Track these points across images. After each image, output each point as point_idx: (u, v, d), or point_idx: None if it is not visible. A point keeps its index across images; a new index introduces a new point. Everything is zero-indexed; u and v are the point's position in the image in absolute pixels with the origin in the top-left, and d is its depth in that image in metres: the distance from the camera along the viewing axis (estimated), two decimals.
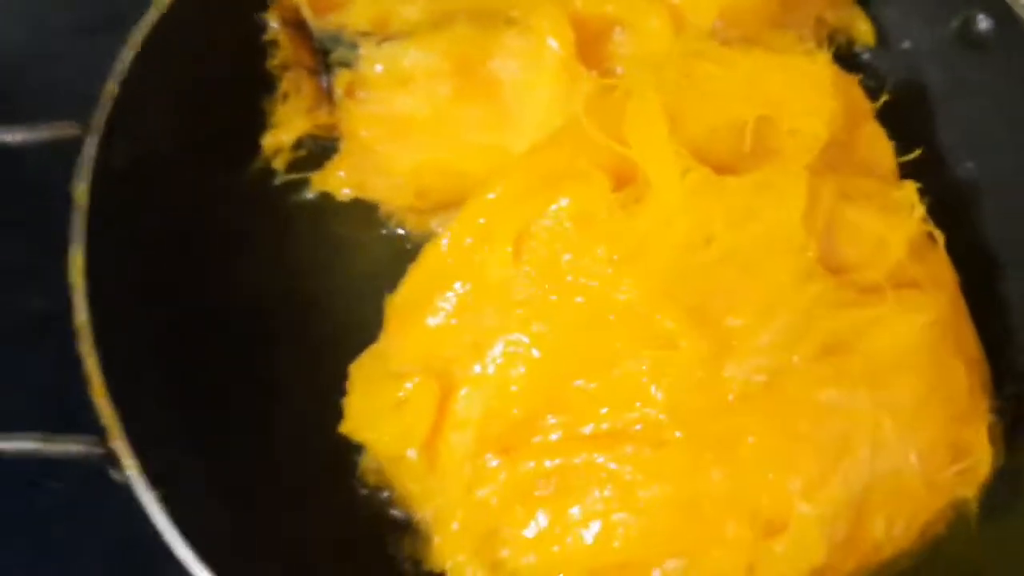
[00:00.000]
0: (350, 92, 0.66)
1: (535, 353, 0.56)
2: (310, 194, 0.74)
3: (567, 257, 0.56)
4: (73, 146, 0.64)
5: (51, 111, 0.67)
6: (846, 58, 0.81)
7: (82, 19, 0.88)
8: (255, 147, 0.75)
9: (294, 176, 0.74)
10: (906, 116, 0.79)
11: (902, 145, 0.78)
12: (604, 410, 0.55)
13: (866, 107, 0.65)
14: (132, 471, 0.53)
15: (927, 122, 0.80)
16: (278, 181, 0.74)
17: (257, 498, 0.64)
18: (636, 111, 0.58)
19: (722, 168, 0.58)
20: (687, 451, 0.54)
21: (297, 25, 0.69)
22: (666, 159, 0.56)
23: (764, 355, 0.55)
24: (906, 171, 0.66)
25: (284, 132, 0.74)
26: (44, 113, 0.67)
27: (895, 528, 0.58)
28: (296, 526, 0.64)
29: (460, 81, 0.65)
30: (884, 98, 0.65)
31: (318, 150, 0.75)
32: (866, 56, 0.82)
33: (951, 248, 0.66)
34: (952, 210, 0.76)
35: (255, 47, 0.74)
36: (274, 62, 0.75)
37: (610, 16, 0.65)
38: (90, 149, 0.62)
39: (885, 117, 0.69)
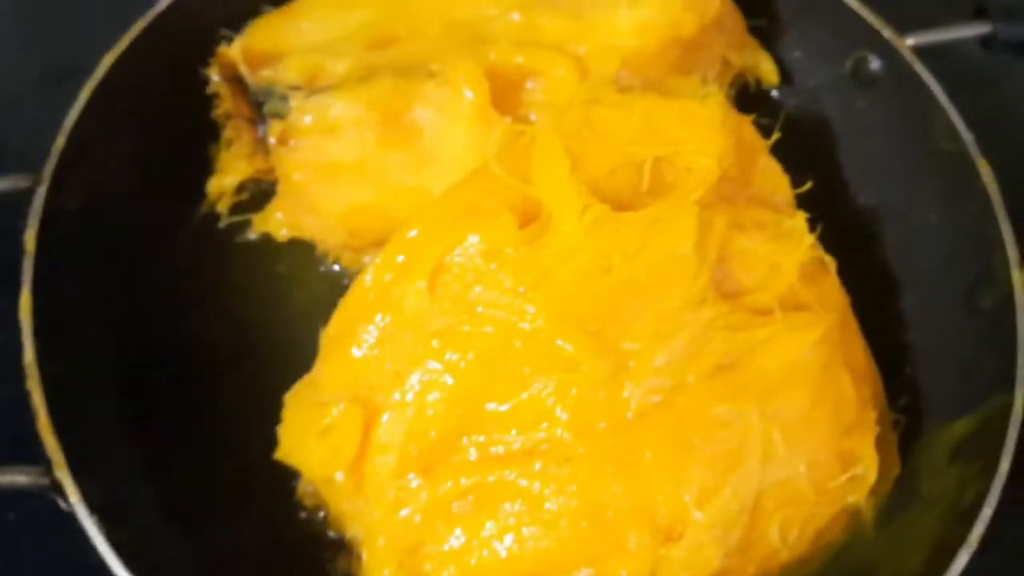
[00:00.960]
0: (283, 140, 0.71)
1: (449, 380, 0.60)
2: (252, 235, 0.80)
3: (477, 290, 0.60)
4: (27, 196, 0.69)
5: (11, 162, 0.72)
6: (755, 95, 0.87)
7: (48, 68, 0.93)
8: (201, 191, 0.80)
9: (237, 218, 0.79)
10: (812, 148, 0.87)
11: (809, 175, 0.84)
12: (514, 430, 0.60)
13: (759, 143, 0.70)
14: (76, 500, 0.57)
15: (831, 154, 0.87)
16: (222, 223, 0.79)
17: (200, 523, 0.68)
18: (541, 154, 0.63)
19: (621, 204, 0.63)
20: (590, 466, 0.58)
21: (235, 79, 0.74)
22: (567, 197, 0.61)
23: (660, 375, 0.60)
24: (812, 199, 0.71)
25: (227, 177, 0.80)
26: (6, 163, 0.72)
27: (790, 534, 0.62)
28: (238, 549, 0.68)
29: (384, 129, 0.70)
30: (776, 136, 0.70)
31: (259, 193, 0.81)
32: (774, 93, 0.88)
33: (854, 269, 0.71)
34: (855, 235, 0.83)
35: (201, 97, 0.80)
36: (218, 111, 0.80)
37: (522, 67, 0.71)
38: (39, 199, 0.66)
39: (792, 149, 0.74)
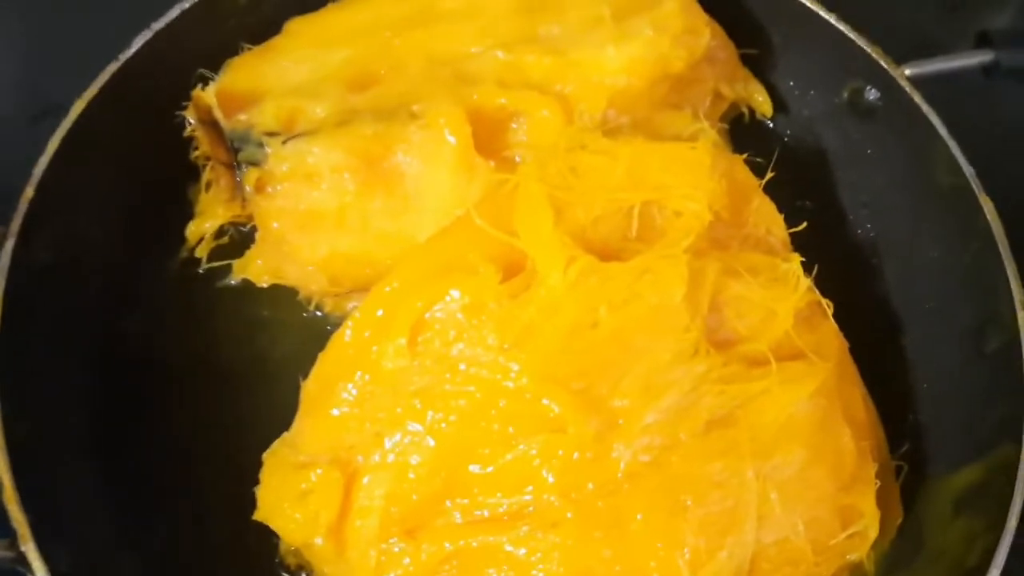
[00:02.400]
0: (259, 188, 0.68)
1: (431, 442, 0.58)
2: (233, 280, 0.77)
3: (459, 347, 0.58)
4: None
5: None
6: (749, 126, 0.85)
7: (25, 106, 0.90)
8: (180, 236, 0.78)
9: (217, 264, 0.77)
10: (808, 179, 0.84)
11: (805, 206, 0.82)
12: (499, 493, 0.58)
13: (753, 183, 0.68)
14: (41, 573, 0.55)
15: (828, 185, 0.84)
16: (202, 269, 0.77)
17: None
18: (524, 204, 0.61)
19: (609, 253, 0.61)
20: (578, 531, 0.56)
21: (211, 123, 0.72)
22: (552, 249, 0.59)
23: (651, 433, 0.58)
24: (809, 232, 0.68)
25: (206, 220, 0.77)
26: None
27: None
28: None
29: (365, 174, 0.68)
30: (769, 175, 0.67)
31: (241, 236, 0.79)
32: (769, 123, 0.86)
33: (855, 304, 0.68)
34: (855, 267, 0.81)
35: (180, 138, 0.77)
36: (196, 153, 0.78)
37: (506, 108, 0.69)
38: (6, 254, 0.64)
39: (788, 180, 0.72)
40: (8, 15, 0.99)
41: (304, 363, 0.65)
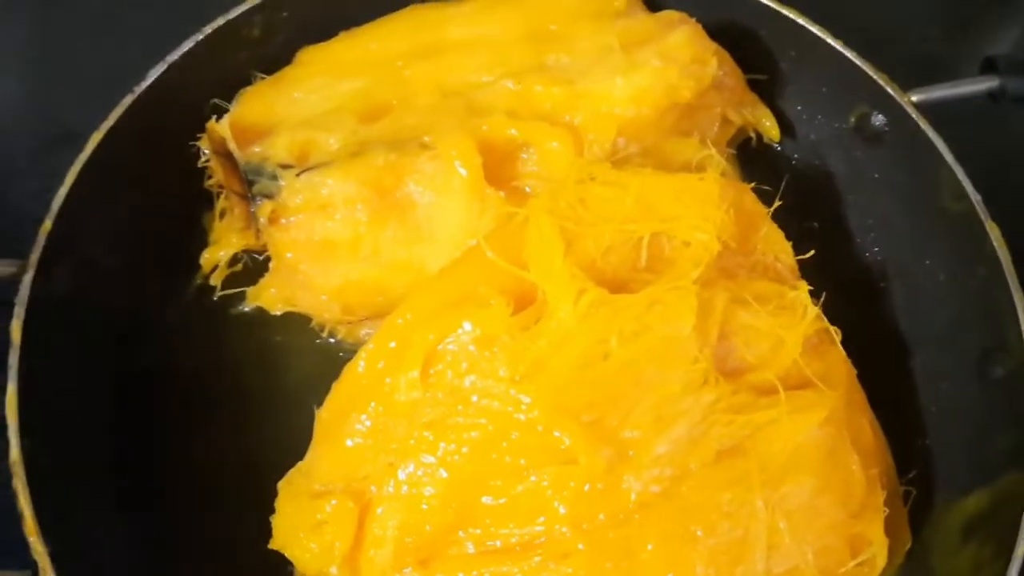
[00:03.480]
0: (273, 220, 0.69)
1: (443, 473, 0.58)
2: (247, 307, 0.78)
3: (471, 379, 0.59)
4: (13, 282, 0.68)
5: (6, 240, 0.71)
6: (757, 150, 0.86)
7: (42, 135, 0.92)
8: (195, 264, 0.79)
9: (231, 291, 0.78)
10: (816, 203, 0.85)
11: (813, 230, 0.83)
12: (511, 524, 0.58)
13: (761, 212, 0.69)
14: None
15: (836, 208, 0.85)
16: (216, 296, 0.78)
17: None
18: (534, 236, 0.61)
19: (619, 284, 0.62)
20: (590, 561, 0.57)
21: (226, 155, 0.73)
22: (562, 281, 0.60)
23: (661, 464, 0.58)
24: (819, 258, 0.69)
25: (221, 248, 0.79)
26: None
27: None
28: None
29: (377, 205, 0.69)
30: (777, 203, 0.68)
31: (255, 264, 0.80)
32: (777, 147, 0.87)
33: (863, 327, 0.69)
34: (863, 291, 0.81)
35: (194, 167, 0.78)
36: (211, 181, 0.79)
37: (516, 139, 0.70)
38: (25, 288, 0.65)
39: (796, 203, 0.73)
40: (20, 43, 1.00)
41: (318, 389, 0.66)
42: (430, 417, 0.59)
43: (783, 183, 0.72)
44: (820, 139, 0.85)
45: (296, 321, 0.78)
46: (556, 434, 0.58)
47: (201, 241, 0.80)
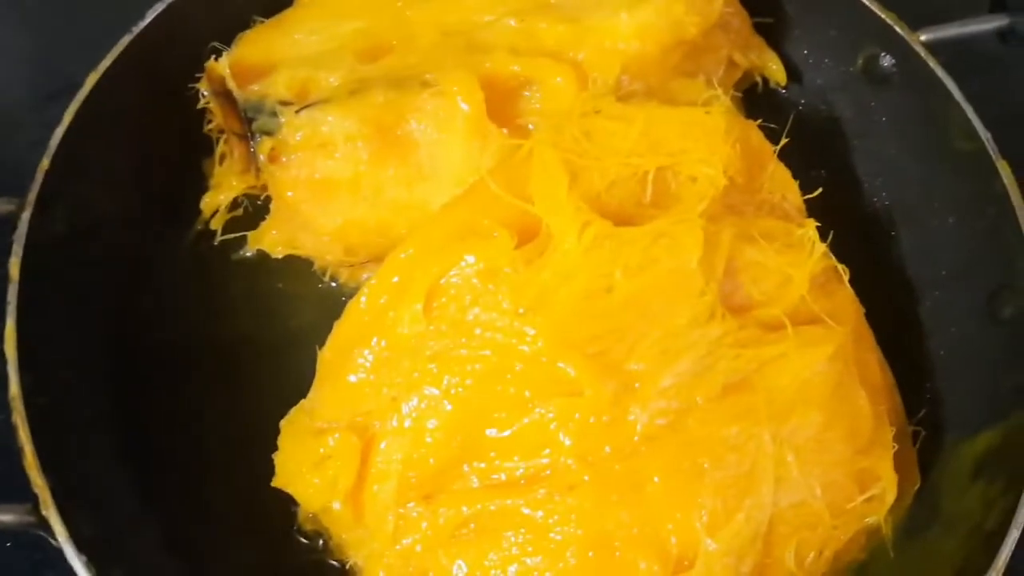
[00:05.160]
0: (273, 158, 0.68)
1: (447, 406, 0.58)
2: (248, 252, 0.78)
3: (474, 311, 0.58)
4: (11, 220, 0.67)
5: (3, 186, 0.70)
6: (763, 95, 0.85)
7: (42, 84, 0.91)
8: (195, 208, 0.78)
9: (232, 235, 0.77)
10: (823, 148, 0.84)
11: (820, 175, 0.82)
12: (516, 457, 0.58)
13: (767, 149, 0.68)
14: (64, 539, 0.55)
15: (843, 154, 0.84)
16: (217, 241, 0.77)
17: (198, 551, 0.66)
18: (538, 169, 0.60)
19: (623, 218, 0.61)
20: (595, 493, 0.56)
21: (225, 94, 0.72)
22: (566, 214, 0.59)
23: (667, 397, 0.58)
24: (824, 201, 0.69)
25: (221, 193, 0.78)
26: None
27: (806, 558, 0.60)
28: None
29: (378, 143, 0.68)
30: (784, 141, 0.67)
31: (255, 208, 0.79)
32: (783, 91, 0.85)
33: (870, 272, 0.69)
34: (870, 237, 0.81)
35: (193, 111, 0.78)
36: (210, 126, 0.78)
37: (519, 75, 0.68)
38: (23, 224, 0.64)
39: (802, 149, 0.71)
40: None
41: (320, 334, 0.65)
42: (434, 350, 0.59)
43: (789, 123, 0.71)
44: (827, 83, 0.84)
45: (298, 267, 0.77)
46: (561, 366, 0.57)
47: (201, 187, 0.79)
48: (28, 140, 0.78)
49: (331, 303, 0.76)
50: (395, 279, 0.61)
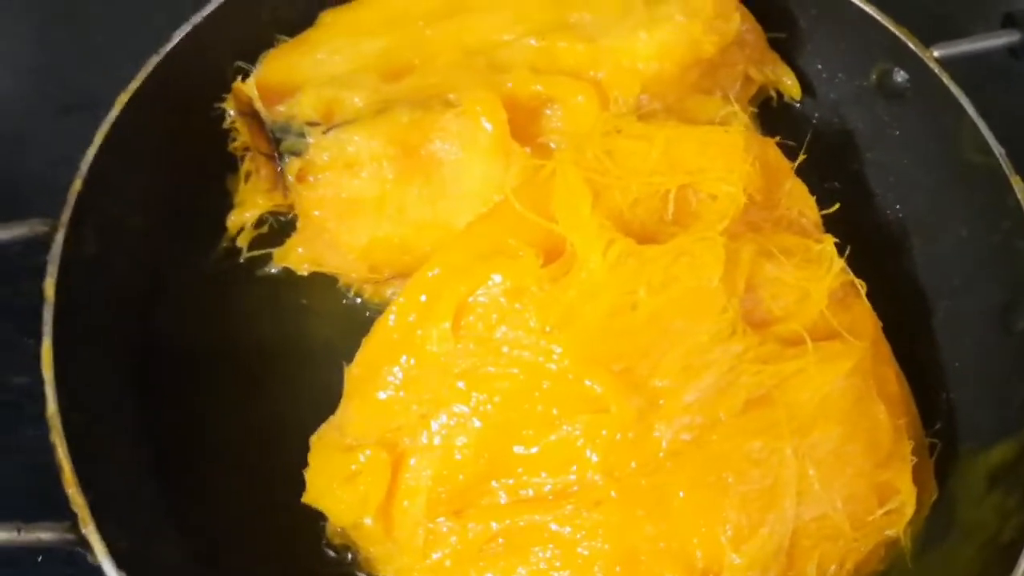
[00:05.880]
0: (301, 177, 0.70)
1: (476, 423, 0.59)
2: (274, 268, 0.79)
3: (502, 330, 0.60)
4: (45, 240, 0.68)
5: (27, 202, 0.71)
6: (778, 109, 0.86)
7: (63, 100, 0.91)
8: (221, 226, 0.80)
9: (257, 252, 0.79)
10: (837, 161, 0.85)
11: (835, 188, 0.83)
12: (544, 473, 0.59)
13: (785, 166, 0.69)
14: (103, 556, 0.57)
15: (857, 167, 0.85)
16: (243, 258, 0.79)
17: (229, 566, 0.68)
18: (562, 188, 0.62)
19: (646, 236, 0.63)
20: (622, 509, 0.58)
21: (252, 115, 0.74)
22: (590, 232, 0.60)
23: (691, 413, 0.59)
24: (840, 214, 0.70)
25: (247, 211, 0.79)
26: (22, 202, 0.71)
27: (828, 570, 0.61)
28: None
29: (403, 163, 0.69)
30: (801, 158, 0.68)
31: (280, 226, 0.80)
32: (798, 105, 0.87)
33: (885, 285, 0.70)
34: (884, 249, 0.82)
35: (219, 130, 0.79)
36: (235, 144, 0.79)
37: (541, 95, 0.70)
38: (57, 246, 0.66)
39: (817, 162, 0.73)
40: (38, 10, 1.00)
41: (345, 350, 0.67)
42: (462, 368, 0.60)
43: (805, 142, 0.72)
44: (841, 97, 0.85)
45: (322, 283, 0.79)
46: (587, 383, 0.58)
47: (227, 204, 0.80)
48: (48, 158, 0.80)
49: (356, 319, 0.78)
50: (423, 298, 0.62)
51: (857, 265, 0.67)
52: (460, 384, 0.60)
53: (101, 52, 0.88)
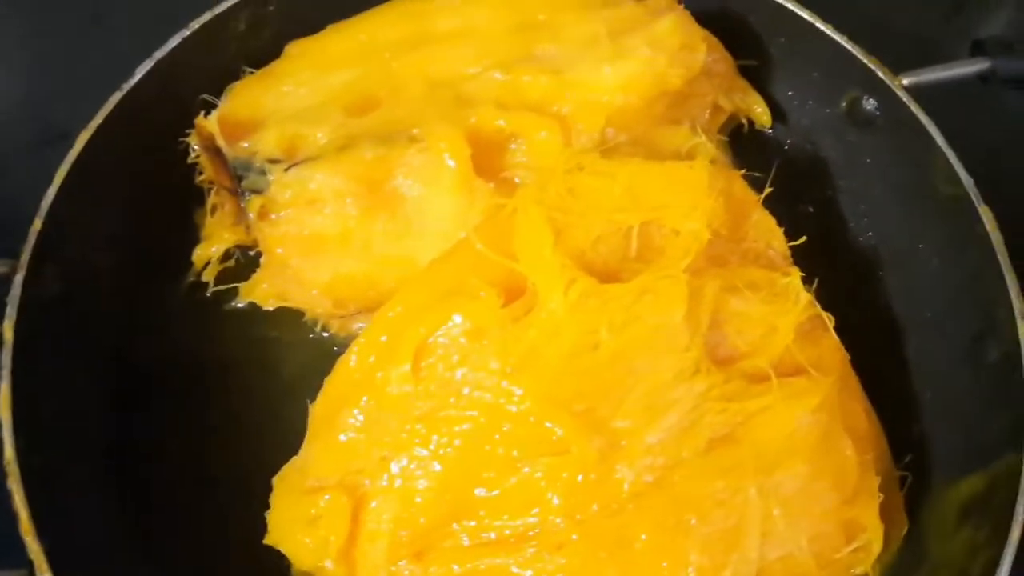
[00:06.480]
0: (263, 215, 0.69)
1: (436, 466, 0.59)
2: (240, 303, 0.78)
3: (462, 371, 0.59)
4: (5, 281, 0.68)
5: None
6: (749, 136, 0.85)
7: (29, 134, 0.92)
8: (187, 261, 0.79)
9: (223, 287, 0.78)
10: (808, 188, 0.85)
11: (805, 216, 0.82)
12: (506, 516, 0.58)
13: (751, 198, 0.68)
14: None
15: (829, 194, 0.85)
16: (209, 292, 0.78)
17: None
18: (523, 227, 0.61)
19: (609, 274, 0.62)
20: (584, 551, 0.57)
21: (215, 151, 0.73)
22: (551, 271, 0.60)
23: (653, 454, 0.58)
24: (810, 242, 0.69)
25: (213, 244, 0.78)
26: None
27: None
28: None
29: (366, 199, 0.69)
30: (768, 191, 0.68)
31: (247, 260, 0.80)
32: (769, 132, 0.86)
33: (856, 312, 0.69)
34: (857, 275, 0.81)
35: (185, 164, 0.78)
36: (201, 178, 0.79)
37: (504, 130, 0.69)
38: (16, 287, 0.65)
39: (788, 189, 0.72)
40: (10, 42, 1.00)
41: (312, 381, 0.66)
42: (422, 410, 0.59)
43: (774, 169, 0.72)
44: (812, 124, 0.85)
45: (289, 316, 0.78)
46: (548, 425, 0.58)
47: (193, 238, 0.80)
48: (19, 189, 0.79)
49: (322, 351, 0.77)
50: (383, 338, 0.61)
51: (827, 294, 0.66)
52: (420, 427, 0.59)
53: (81, 85, 0.87)
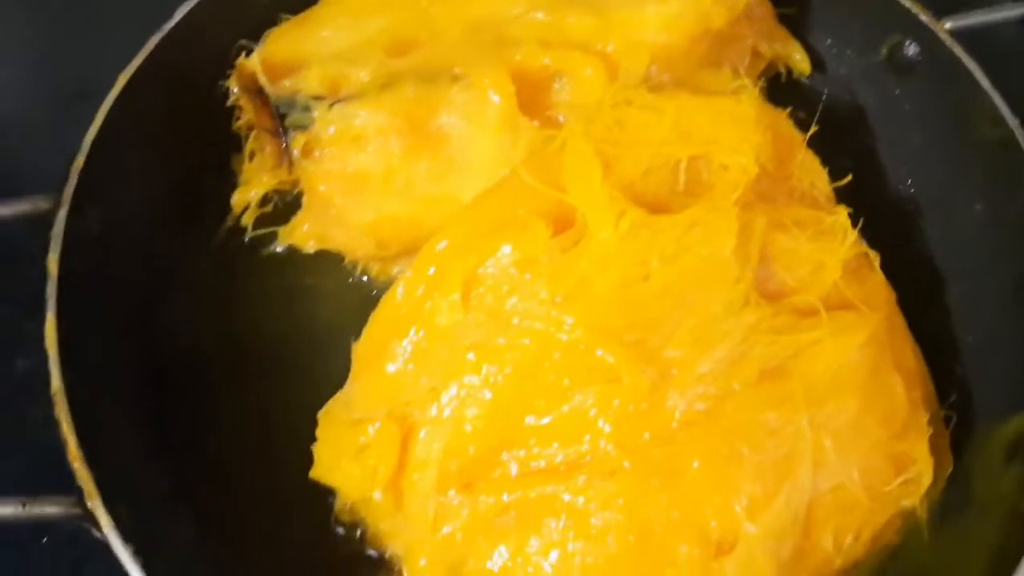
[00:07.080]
0: (307, 152, 0.69)
1: (486, 394, 0.58)
2: (279, 247, 0.78)
3: (512, 301, 0.59)
4: (47, 218, 0.67)
5: (30, 183, 0.70)
6: (787, 85, 0.85)
7: (59, 87, 0.92)
8: (226, 205, 0.79)
9: (262, 231, 0.78)
10: (848, 138, 0.84)
11: (846, 166, 0.82)
12: (556, 444, 0.58)
13: (796, 138, 0.68)
14: (109, 530, 0.56)
15: (868, 143, 0.84)
16: (248, 237, 0.78)
17: (236, 543, 0.67)
18: (572, 159, 0.61)
19: (658, 207, 0.62)
20: (635, 479, 0.57)
21: (256, 91, 0.73)
22: (601, 203, 0.59)
23: (704, 383, 0.58)
24: (851, 191, 0.69)
25: (251, 189, 0.78)
26: (24, 184, 0.70)
27: (844, 541, 0.60)
28: (275, 568, 0.67)
29: (410, 137, 0.68)
30: (813, 130, 0.67)
31: (284, 205, 0.79)
32: (807, 81, 0.86)
33: (897, 261, 0.69)
34: (897, 226, 0.81)
35: (222, 109, 0.78)
36: (239, 123, 0.79)
37: (549, 68, 0.69)
38: (60, 222, 0.65)
39: (827, 139, 0.72)
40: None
41: (350, 329, 0.66)
42: (472, 340, 0.59)
43: (815, 118, 0.72)
44: (851, 73, 0.84)
45: (328, 262, 0.78)
46: (599, 354, 0.58)
47: (231, 184, 0.79)
48: (53, 142, 0.79)
49: (360, 298, 0.77)
50: (431, 270, 0.61)
51: (871, 239, 0.66)
52: (470, 356, 0.59)
53: (108, 43, 0.87)
